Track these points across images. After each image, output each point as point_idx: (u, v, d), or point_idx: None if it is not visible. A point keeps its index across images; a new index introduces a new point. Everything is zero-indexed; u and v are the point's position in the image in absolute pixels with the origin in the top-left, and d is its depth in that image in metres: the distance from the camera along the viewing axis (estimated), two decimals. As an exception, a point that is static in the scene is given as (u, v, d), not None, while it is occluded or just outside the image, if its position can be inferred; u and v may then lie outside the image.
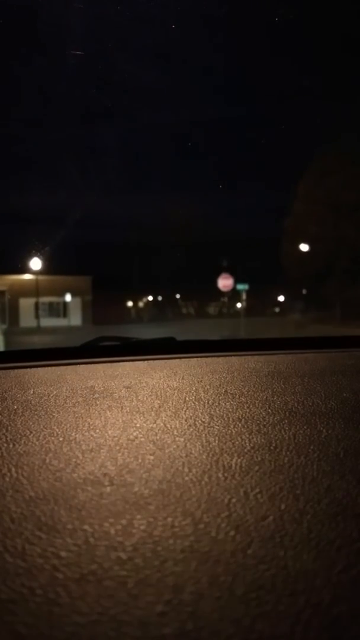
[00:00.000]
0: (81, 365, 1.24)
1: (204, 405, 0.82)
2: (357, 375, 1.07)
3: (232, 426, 0.71)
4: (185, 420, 0.74)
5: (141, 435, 0.67)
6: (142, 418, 0.75)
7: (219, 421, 0.73)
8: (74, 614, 0.32)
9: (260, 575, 0.35)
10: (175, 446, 0.62)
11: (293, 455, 0.59)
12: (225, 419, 0.74)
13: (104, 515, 0.44)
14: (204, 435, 0.67)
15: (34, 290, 20.29)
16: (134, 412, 0.79)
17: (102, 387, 0.98)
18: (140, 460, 0.57)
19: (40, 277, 20.90)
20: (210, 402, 0.85)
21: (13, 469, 0.56)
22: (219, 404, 0.84)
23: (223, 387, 0.96)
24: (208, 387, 0.97)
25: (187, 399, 0.87)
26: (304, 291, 23.52)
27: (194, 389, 0.95)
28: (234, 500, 0.47)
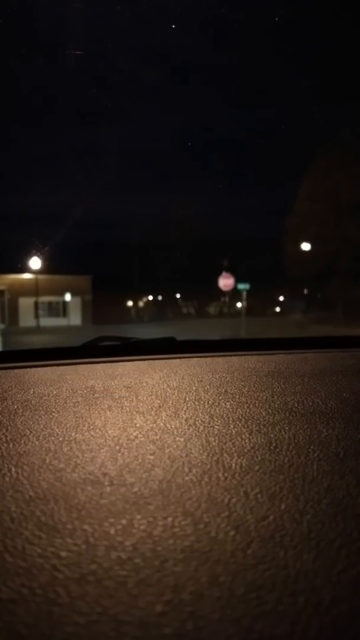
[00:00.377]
0: (81, 365, 1.24)
1: (204, 405, 0.82)
2: (357, 375, 1.07)
3: (232, 426, 0.71)
4: (185, 420, 0.74)
5: (141, 435, 0.67)
6: (142, 418, 0.75)
7: (219, 421, 0.73)
8: (74, 614, 0.32)
9: (260, 575, 0.35)
10: (175, 446, 0.62)
11: (293, 455, 0.59)
12: (226, 418, 0.74)
13: (104, 515, 0.44)
14: (204, 435, 0.67)
15: (33, 289, 20.29)
16: (134, 412, 0.79)
17: (102, 387, 0.98)
18: (140, 460, 0.57)
19: (40, 277, 20.91)
20: (210, 402, 0.85)
21: (13, 469, 0.56)
22: (219, 403, 0.84)
23: (223, 387, 0.96)
24: (208, 386, 0.97)
25: (187, 398, 0.87)
26: (305, 291, 23.54)
27: (194, 388, 0.95)
28: (234, 500, 0.47)
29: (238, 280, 18.23)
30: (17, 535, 0.41)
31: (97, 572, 0.36)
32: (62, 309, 24.30)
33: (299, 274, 20.86)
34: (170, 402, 0.85)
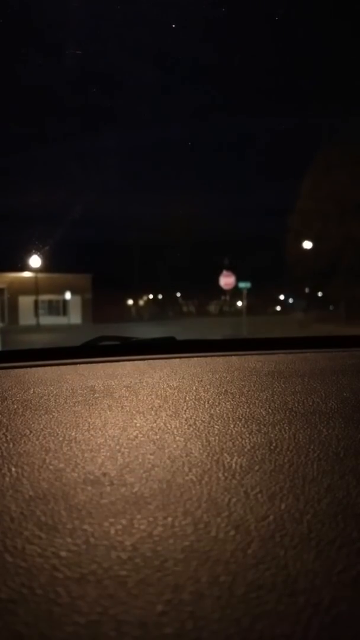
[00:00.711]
0: (81, 365, 1.24)
1: (204, 405, 0.82)
2: (357, 374, 1.07)
3: (232, 426, 0.71)
4: (185, 420, 0.74)
5: (141, 435, 0.67)
6: (142, 418, 0.75)
7: (219, 421, 0.73)
8: (74, 614, 0.32)
9: (260, 575, 0.35)
10: (175, 446, 0.62)
11: (293, 454, 0.59)
12: (226, 418, 0.74)
13: (104, 515, 0.44)
14: (204, 434, 0.67)
15: (33, 288, 20.28)
16: (134, 412, 0.79)
17: (102, 386, 0.98)
18: (140, 460, 0.57)
19: (40, 275, 20.89)
20: (210, 401, 0.85)
21: (13, 469, 0.56)
22: (219, 403, 0.84)
23: (223, 387, 0.96)
24: (208, 386, 0.97)
25: (187, 398, 0.87)
26: (307, 290, 23.52)
27: (194, 388, 0.95)
28: (234, 499, 0.47)
29: (239, 278, 18.22)
30: (17, 535, 0.41)
31: (97, 572, 0.36)
32: (62, 308, 24.30)
33: (301, 272, 20.84)
34: (170, 401, 0.85)
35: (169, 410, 0.79)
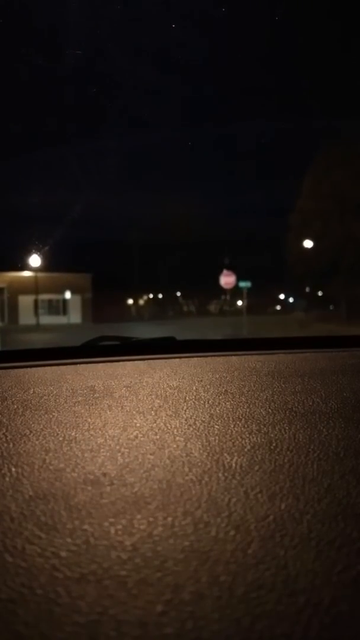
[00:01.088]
0: (81, 365, 1.24)
1: (204, 405, 0.82)
2: (357, 374, 1.07)
3: (232, 425, 0.71)
4: (185, 420, 0.74)
5: (141, 435, 0.67)
6: (142, 418, 0.75)
7: (219, 420, 0.73)
8: (74, 614, 0.32)
9: (260, 575, 0.35)
10: (175, 446, 0.62)
11: (293, 454, 0.59)
12: (226, 418, 0.74)
13: (104, 515, 0.44)
14: (204, 434, 0.67)
15: (33, 287, 20.27)
16: (134, 412, 0.79)
17: (102, 386, 0.98)
18: (140, 460, 0.57)
19: (40, 275, 20.88)
20: (210, 401, 0.85)
21: (13, 469, 0.56)
22: (219, 403, 0.84)
23: (223, 387, 0.96)
24: (208, 386, 0.97)
25: (187, 398, 0.87)
26: (307, 289, 23.51)
27: (194, 388, 0.95)
28: (234, 499, 0.47)
29: (239, 278, 18.21)
30: (17, 535, 0.41)
31: (97, 572, 0.36)
32: (62, 307, 24.28)
33: (301, 271, 20.81)
34: (170, 401, 0.85)
35: (169, 410, 0.80)
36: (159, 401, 0.85)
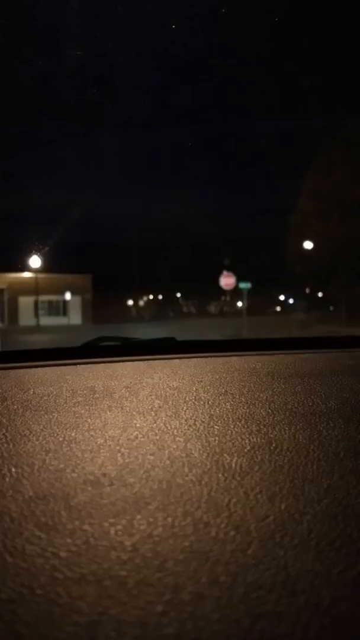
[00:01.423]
0: (81, 365, 1.24)
1: (204, 405, 0.83)
2: (357, 375, 1.07)
3: (232, 426, 0.71)
4: (185, 420, 0.74)
5: (141, 435, 0.67)
6: (142, 418, 0.75)
7: (219, 421, 0.73)
8: (74, 614, 0.32)
9: (260, 575, 0.35)
10: (175, 446, 0.62)
11: (293, 455, 0.59)
12: (225, 419, 0.74)
13: (104, 516, 0.44)
14: (204, 435, 0.67)
15: (33, 288, 20.26)
16: (134, 412, 0.79)
17: (102, 387, 0.98)
18: (140, 460, 0.57)
19: (40, 276, 20.88)
20: (210, 402, 0.85)
21: (13, 469, 0.56)
22: (219, 404, 0.84)
23: (223, 387, 0.96)
24: (208, 387, 0.97)
25: (187, 399, 0.87)
26: (307, 290, 23.49)
27: (194, 389, 0.95)
28: (234, 500, 0.47)
29: (239, 279, 18.21)
30: (17, 536, 0.41)
31: (97, 572, 0.36)
32: (62, 308, 24.29)
33: (302, 272, 20.78)
34: (170, 402, 0.85)
35: (169, 410, 0.80)
36: (158, 402, 0.85)
